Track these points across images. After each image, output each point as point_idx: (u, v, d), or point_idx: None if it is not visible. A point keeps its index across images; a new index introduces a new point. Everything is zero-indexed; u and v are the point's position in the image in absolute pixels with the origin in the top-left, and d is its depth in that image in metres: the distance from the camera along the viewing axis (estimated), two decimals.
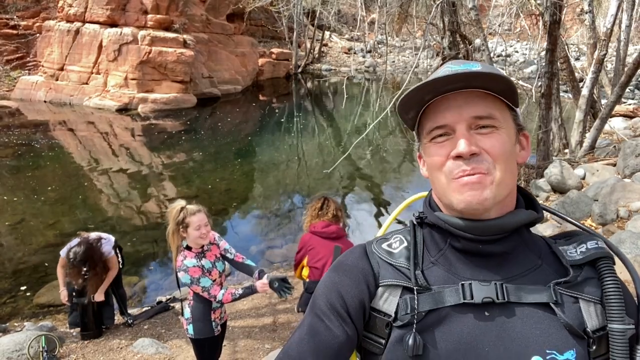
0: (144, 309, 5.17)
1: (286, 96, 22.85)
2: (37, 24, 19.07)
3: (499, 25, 12.41)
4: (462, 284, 0.75)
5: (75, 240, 4.19)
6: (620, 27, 10.78)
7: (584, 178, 6.73)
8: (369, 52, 31.83)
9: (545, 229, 5.42)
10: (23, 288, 5.73)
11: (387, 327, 0.77)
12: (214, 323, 2.98)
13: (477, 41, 9.94)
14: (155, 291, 5.92)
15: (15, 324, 4.91)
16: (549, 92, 7.31)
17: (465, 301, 0.74)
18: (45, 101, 16.99)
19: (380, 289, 0.80)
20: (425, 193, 0.93)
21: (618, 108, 11.25)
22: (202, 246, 2.95)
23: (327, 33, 31.08)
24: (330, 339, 0.78)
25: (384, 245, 0.85)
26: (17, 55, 18.93)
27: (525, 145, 0.84)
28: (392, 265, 0.81)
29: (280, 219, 8.42)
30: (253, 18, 24.94)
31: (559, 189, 6.58)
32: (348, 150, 7.63)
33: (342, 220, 3.42)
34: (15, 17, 19.16)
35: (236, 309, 5.05)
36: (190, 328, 2.96)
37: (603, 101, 10.04)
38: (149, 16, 16.93)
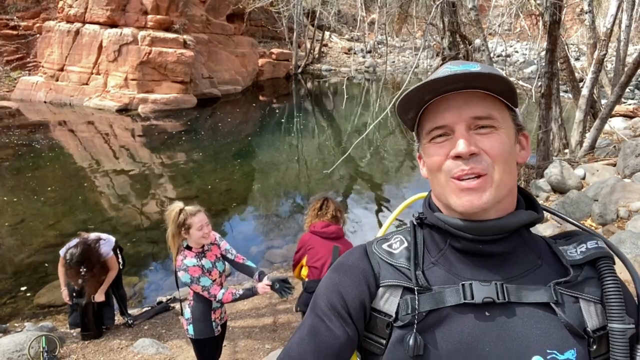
0: (144, 310, 5.17)
1: (286, 96, 22.85)
2: (37, 25, 19.09)
3: (499, 26, 12.42)
4: (463, 284, 0.75)
5: (74, 241, 4.19)
6: (620, 27, 10.78)
7: (584, 178, 6.73)
8: (369, 52, 31.83)
9: (545, 229, 5.42)
10: (23, 288, 5.74)
11: (388, 328, 0.77)
12: (214, 323, 2.99)
13: (477, 41, 9.94)
14: (155, 291, 5.92)
15: (16, 324, 4.91)
16: (549, 92, 7.32)
17: (466, 301, 0.74)
18: (45, 102, 17.00)
19: (380, 290, 0.80)
20: (425, 193, 0.93)
21: (618, 108, 11.25)
22: (203, 246, 2.96)
23: (327, 33, 31.09)
24: (331, 339, 0.78)
25: (385, 246, 0.85)
26: (17, 56, 18.95)
27: (525, 145, 0.84)
28: (392, 265, 0.81)
29: (281, 220, 8.42)
30: (253, 18, 24.95)
31: (559, 189, 6.58)
32: (348, 150, 7.63)
33: (342, 220, 3.42)
34: (15, 17, 19.17)
35: (236, 309, 5.05)
36: (190, 328, 2.96)
37: (603, 101, 10.04)
38: (149, 17, 16.94)
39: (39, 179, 9.67)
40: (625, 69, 8.75)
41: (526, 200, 0.85)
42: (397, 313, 0.77)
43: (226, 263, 3.14)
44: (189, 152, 12.16)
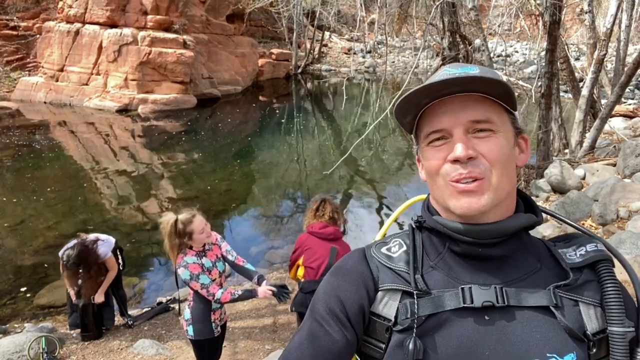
0: (144, 310, 5.16)
1: (286, 97, 22.86)
2: (37, 25, 19.09)
3: (499, 26, 12.41)
4: (462, 288, 0.75)
5: (73, 242, 4.19)
6: (620, 27, 10.78)
7: (584, 178, 6.72)
8: (369, 52, 31.82)
9: (545, 229, 5.42)
10: (23, 289, 5.73)
11: (387, 332, 0.77)
12: (213, 324, 2.99)
13: (477, 41, 9.94)
14: (155, 292, 5.92)
15: (16, 325, 4.90)
16: (549, 92, 7.32)
17: (465, 305, 0.74)
18: (45, 102, 17.00)
19: (379, 294, 0.80)
20: (424, 196, 0.92)
21: (618, 108, 11.24)
22: (204, 245, 2.97)
23: (327, 33, 31.09)
24: (330, 343, 0.77)
25: (383, 249, 0.85)
26: (17, 57, 18.95)
27: (524, 148, 0.83)
28: (391, 269, 0.81)
29: (281, 220, 8.42)
30: (253, 19, 24.94)
31: (559, 189, 6.58)
32: (348, 151, 7.62)
33: (340, 222, 3.41)
34: (15, 18, 19.17)
35: (236, 309, 5.05)
36: (190, 329, 2.97)
37: (603, 101, 10.04)
38: (149, 17, 16.94)
39: (39, 180, 9.67)
40: (625, 68, 8.75)
41: (525, 203, 0.84)
42: (396, 317, 0.76)
43: (226, 264, 3.15)
44: (189, 152, 12.16)
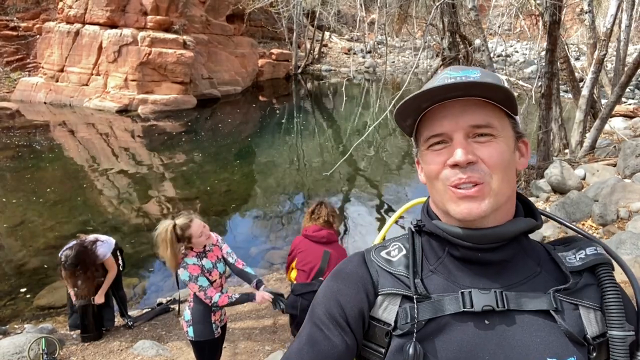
0: (144, 311, 5.16)
1: (286, 97, 22.86)
2: (37, 26, 19.09)
3: (499, 26, 12.41)
4: (462, 292, 0.75)
5: (72, 243, 4.19)
6: (620, 27, 10.78)
7: (584, 178, 6.72)
8: (369, 52, 31.82)
9: (545, 229, 5.42)
10: (23, 290, 5.73)
11: (387, 336, 0.77)
12: (214, 325, 2.99)
13: (477, 41, 9.94)
14: (155, 293, 5.92)
15: (16, 326, 4.90)
16: (549, 92, 7.32)
17: (465, 309, 0.73)
18: (45, 102, 17.00)
19: (379, 298, 0.79)
20: (423, 199, 0.92)
21: (618, 108, 11.25)
22: (204, 246, 2.97)
23: (327, 33, 31.09)
24: (330, 348, 0.77)
25: (383, 253, 0.84)
26: (17, 57, 18.95)
27: (525, 152, 0.83)
28: (391, 273, 0.81)
29: (281, 220, 8.42)
30: (253, 19, 24.95)
31: (559, 189, 6.57)
32: (348, 151, 7.62)
33: (335, 225, 3.39)
34: (15, 18, 19.18)
35: (236, 310, 5.04)
36: (190, 330, 2.97)
37: (603, 101, 10.04)
38: (149, 17, 16.94)
39: (39, 180, 9.67)
40: (625, 68, 8.75)
41: (525, 206, 0.84)
42: (396, 322, 0.76)
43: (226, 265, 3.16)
44: (189, 152, 12.16)
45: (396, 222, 1.22)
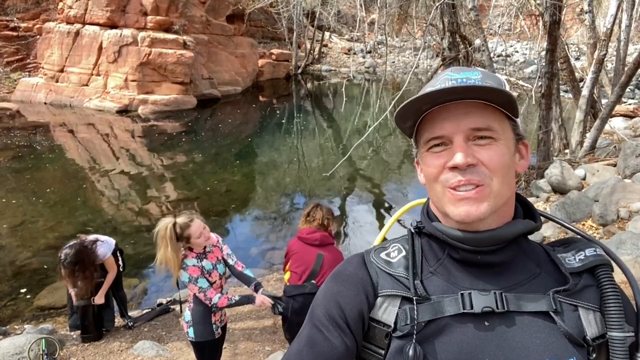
0: (145, 312, 5.16)
1: (286, 97, 22.86)
2: (37, 26, 19.10)
3: (499, 26, 12.41)
4: (462, 294, 0.75)
5: (72, 242, 4.19)
6: (620, 26, 10.77)
7: (584, 178, 6.72)
8: (369, 52, 31.82)
9: (545, 230, 5.42)
10: (23, 290, 5.73)
11: (387, 338, 0.77)
12: (214, 326, 2.99)
13: (477, 41, 9.93)
14: (155, 293, 5.92)
15: (16, 326, 4.90)
16: (549, 92, 7.31)
17: (465, 311, 0.73)
18: (45, 103, 17.00)
19: (379, 299, 0.79)
20: (423, 200, 0.92)
21: (618, 108, 11.25)
22: (205, 247, 2.96)
23: (327, 34, 31.10)
24: (329, 350, 0.77)
25: (382, 255, 0.84)
26: (17, 57, 18.95)
27: (525, 154, 0.83)
28: (390, 275, 0.81)
29: (281, 221, 8.42)
30: (253, 19, 24.96)
31: (559, 189, 6.57)
32: (348, 151, 7.62)
33: (330, 228, 3.38)
34: (15, 19, 19.19)
35: (236, 311, 5.04)
36: (190, 331, 2.97)
37: (603, 101, 10.04)
38: (149, 17, 16.95)
39: (39, 181, 9.67)
40: (626, 68, 8.75)
41: (524, 207, 0.84)
42: (395, 323, 0.76)
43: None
44: (189, 153, 12.16)
45: (398, 221, 1.22)
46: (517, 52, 30.43)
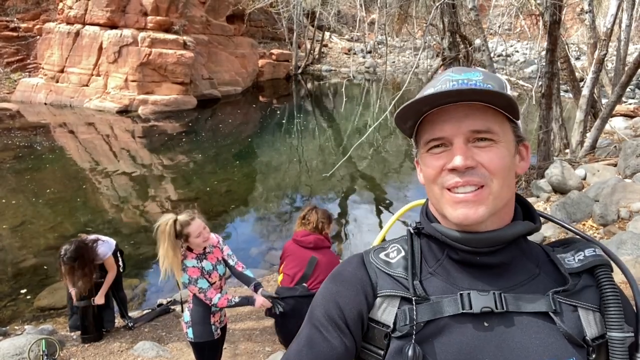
0: (145, 312, 5.16)
1: (286, 97, 22.86)
2: (37, 26, 19.11)
3: (499, 26, 12.41)
4: (461, 294, 0.75)
5: (72, 240, 4.20)
6: (620, 26, 10.77)
7: (584, 178, 6.71)
8: (369, 52, 31.83)
9: (546, 229, 5.41)
10: (23, 291, 5.73)
11: (386, 338, 0.76)
12: (213, 327, 2.99)
13: (478, 41, 9.93)
14: (155, 294, 5.92)
15: (16, 327, 4.90)
16: (550, 92, 7.31)
17: (464, 311, 0.73)
18: (45, 103, 17.01)
19: (378, 300, 0.79)
20: (423, 201, 0.92)
21: (619, 108, 11.24)
22: (205, 248, 2.96)
23: (327, 34, 31.10)
24: (328, 350, 0.77)
25: (382, 255, 0.84)
26: (17, 58, 18.96)
27: (525, 155, 0.83)
28: (390, 275, 0.81)
29: (281, 221, 8.42)
30: (253, 19, 24.96)
31: (559, 189, 6.56)
32: (349, 152, 7.62)
33: (326, 232, 3.37)
34: (15, 19, 19.19)
35: (237, 311, 5.04)
36: (189, 332, 2.97)
37: (604, 101, 10.03)
38: (149, 18, 16.95)
39: (39, 181, 9.67)
40: (626, 68, 8.74)
41: (524, 208, 0.84)
42: (395, 323, 0.76)
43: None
44: (189, 153, 12.16)
45: (399, 220, 1.22)
46: (517, 52, 30.43)
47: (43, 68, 17.86)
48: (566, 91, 11.80)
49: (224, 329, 3.17)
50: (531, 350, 0.71)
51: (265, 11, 25.44)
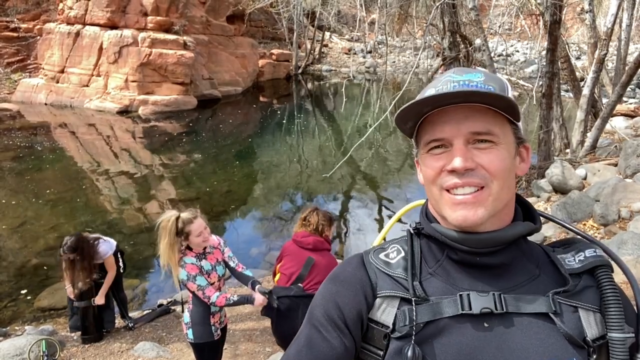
0: (145, 313, 5.16)
1: (286, 97, 22.86)
2: (38, 27, 19.12)
3: (500, 26, 12.41)
4: (460, 295, 0.75)
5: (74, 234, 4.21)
6: (620, 26, 10.77)
7: (585, 178, 6.70)
8: (369, 52, 31.83)
9: (546, 229, 5.41)
10: (24, 292, 5.73)
11: (385, 339, 0.76)
12: (213, 327, 2.99)
13: (478, 41, 9.92)
14: (156, 294, 5.92)
15: (16, 327, 4.90)
16: (550, 92, 7.30)
17: (464, 312, 0.73)
18: (46, 104, 17.02)
19: (378, 300, 0.79)
20: (422, 201, 0.92)
21: (619, 107, 11.23)
22: (204, 248, 2.96)
23: (327, 34, 31.11)
24: (328, 350, 0.77)
25: (381, 256, 0.84)
26: (17, 58, 18.97)
27: (525, 157, 0.83)
28: (389, 275, 0.80)
29: (281, 221, 8.41)
30: (253, 19, 24.97)
31: (560, 189, 6.56)
32: (349, 152, 7.62)
33: (327, 234, 3.36)
34: (15, 19, 19.20)
35: (237, 312, 5.04)
36: (189, 332, 2.97)
37: (604, 100, 10.02)
38: (149, 18, 16.96)
39: (40, 181, 9.68)
40: (626, 68, 8.74)
41: (524, 208, 0.84)
42: (394, 324, 0.76)
43: (226, 268, 3.16)
44: (190, 153, 12.16)
45: (399, 221, 1.21)
46: (517, 51, 30.44)
47: (43, 68, 17.86)
48: (567, 91, 11.80)
49: (224, 330, 3.17)
50: (531, 351, 0.71)
51: (265, 11, 25.45)
